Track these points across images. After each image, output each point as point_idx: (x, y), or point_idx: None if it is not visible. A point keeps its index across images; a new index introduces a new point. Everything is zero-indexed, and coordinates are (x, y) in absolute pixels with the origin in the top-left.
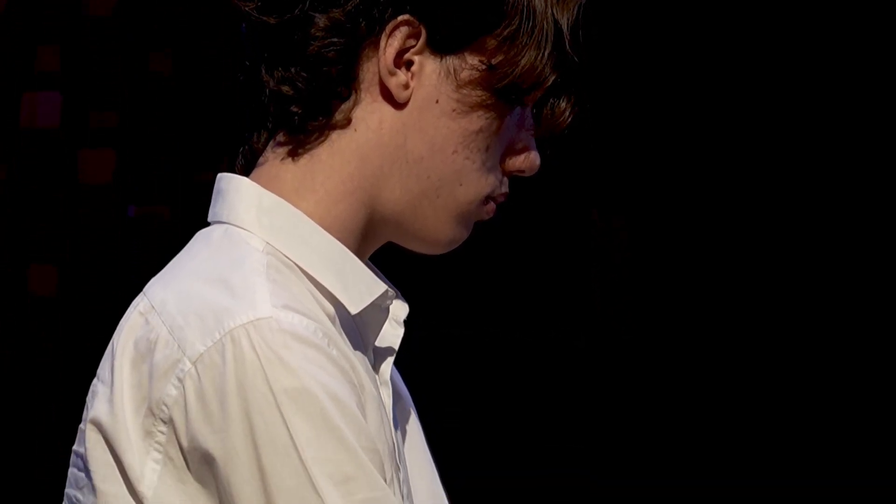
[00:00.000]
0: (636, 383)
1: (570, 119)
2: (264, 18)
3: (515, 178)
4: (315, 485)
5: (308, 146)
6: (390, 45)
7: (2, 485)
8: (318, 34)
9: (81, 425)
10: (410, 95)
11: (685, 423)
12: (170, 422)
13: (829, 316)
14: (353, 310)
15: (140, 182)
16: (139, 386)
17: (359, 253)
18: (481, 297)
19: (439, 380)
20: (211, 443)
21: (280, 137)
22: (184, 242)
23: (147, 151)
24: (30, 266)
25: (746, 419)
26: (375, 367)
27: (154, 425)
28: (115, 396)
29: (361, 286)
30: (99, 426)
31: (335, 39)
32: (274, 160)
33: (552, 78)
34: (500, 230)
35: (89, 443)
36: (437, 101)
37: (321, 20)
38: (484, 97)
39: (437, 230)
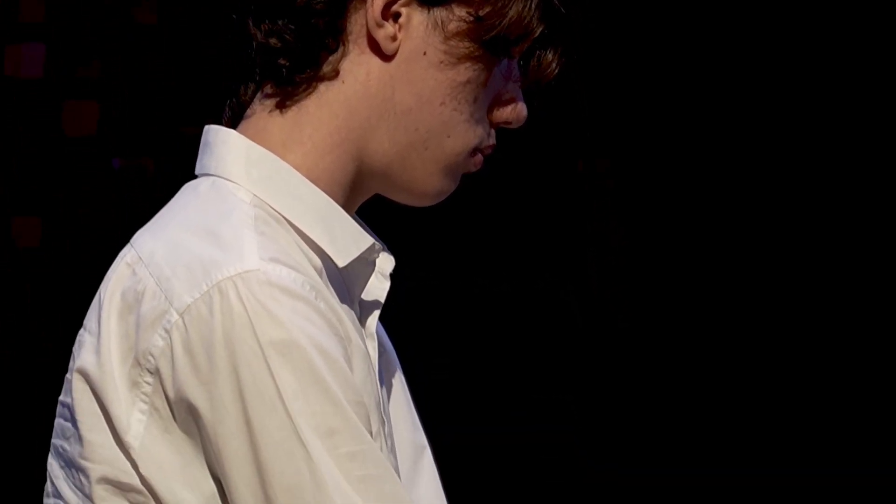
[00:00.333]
0: (633, 369)
1: (556, 70)
2: None
3: (502, 129)
4: (301, 438)
5: (296, 98)
6: None
7: (2, 484)
8: None
9: (68, 375)
10: (398, 47)
11: (684, 410)
12: (156, 372)
13: (831, 304)
14: (341, 263)
15: (124, 134)
16: (126, 336)
17: (346, 206)
18: (468, 249)
19: (427, 332)
20: (197, 394)
21: (267, 90)
22: (168, 195)
23: (132, 103)
24: (13, 218)
25: (746, 409)
26: (361, 320)
27: (140, 376)
28: (102, 347)
29: (348, 239)
30: (86, 376)
31: None
32: (261, 113)
33: (539, 29)
34: (488, 182)
35: (76, 392)
36: (424, 53)
37: None
38: (471, 49)
39: (425, 182)
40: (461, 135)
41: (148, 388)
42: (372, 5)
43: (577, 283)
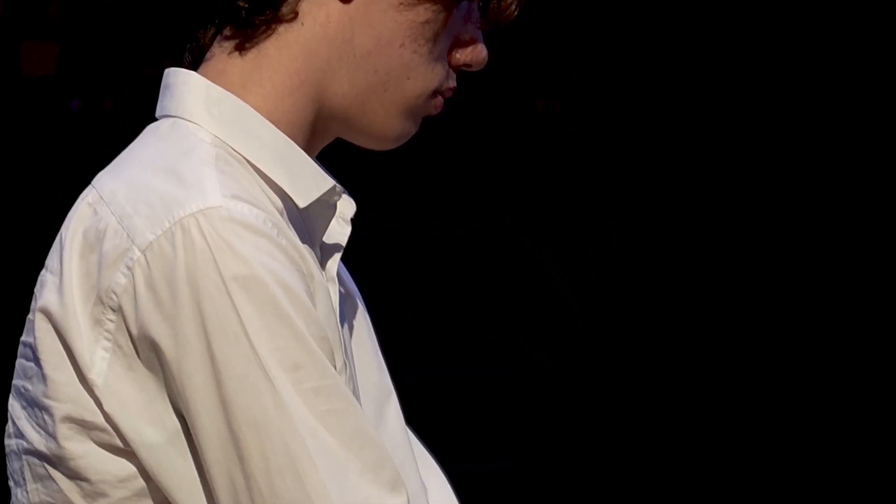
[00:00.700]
0: (634, 369)
1: (516, 12)
2: None
3: (462, 72)
4: (266, 372)
5: (255, 40)
6: None
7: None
8: None
9: (30, 315)
10: None
11: (684, 410)
12: (119, 310)
13: (832, 304)
14: (301, 203)
15: (84, 75)
16: (88, 275)
17: (307, 149)
18: (431, 192)
19: (388, 276)
20: (161, 330)
21: (227, 32)
22: (127, 136)
23: (91, 44)
24: None
25: (746, 409)
26: (322, 263)
27: (103, 313)
28: (65, 286)
29: (309, 180)
30: (48, 315)
31: None
32: (221, 55)
33: None
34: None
35: (39, 332)
36: None
37: None
38: None
39: (386, 125)
40: (421, 77)
41: (111, 326)
42: None
43: (577, 283)
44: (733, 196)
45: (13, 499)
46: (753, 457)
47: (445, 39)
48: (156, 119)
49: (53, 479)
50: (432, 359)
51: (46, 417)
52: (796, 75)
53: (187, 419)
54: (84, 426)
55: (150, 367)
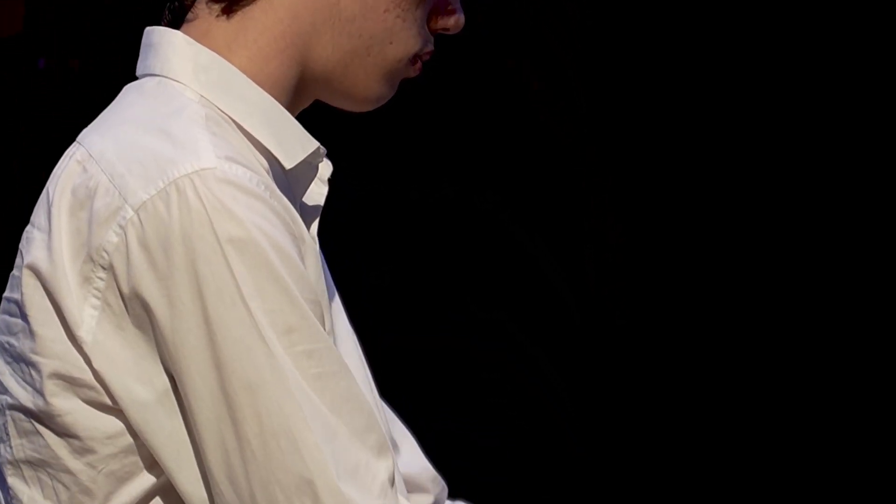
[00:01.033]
0: (631, 367)
1: None
2: None
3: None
4: (262, 334)
5: (241, 3)
6: None
7: None
8: None
9: (15, 272)
10: None
11: (681, 408)
12: (110, 268)
13: (829, 301)
14: (288, 164)
15: (51, 34)
16: (78, 233)
17: (289, 111)
18: (408, 156)
19: (368, 239)
20: (154, 290)
21: None
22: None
23: (59, 2)
24: None
25: (744, 407)
26: (305, 224)
27: (93, 271)
28: (54, 243)
29: (295, 141)
30: (37, 272)
31: None
32: (205, 16)
33: None
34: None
35: (26, 288)
36: None
37: None
38: None
39: (367, 88)
40: (403, 42)
41: (100, 284)
42: None
43: (573, 280)
44: (731, 193)
45: None
46: (751, 454)
47: (427, 4)
48: (136, 78)
49: (41, 435)
50: (410, 322)
51: (34, 373)
52: (794, 72)
53: (177, 380)
54: (72, 383)
55: (139, 327)
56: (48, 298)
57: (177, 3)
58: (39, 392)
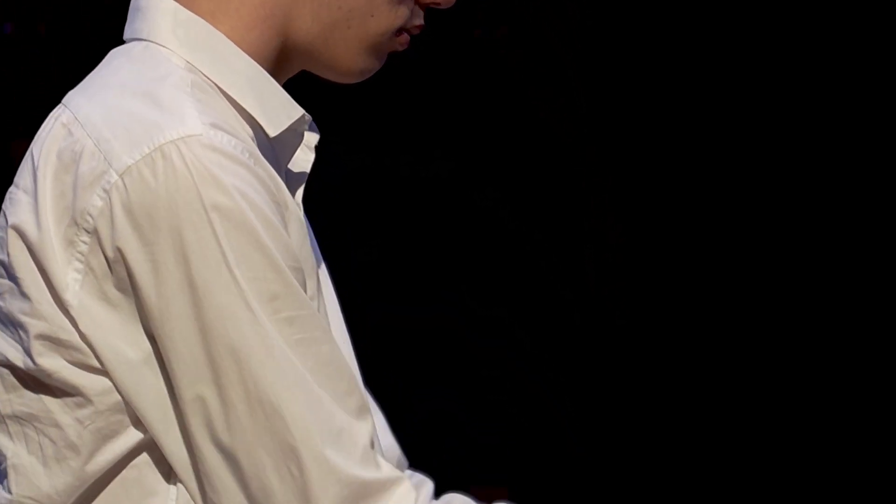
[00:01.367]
0: (630, 367)
1: None
2: None
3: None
4: (247, 301)
5: None
6: None
7: None
8: None
9: (0, 233)
10: None
11: (681, 408)
12: (94, 232)
13: (828, 301)
14: (272, 132)
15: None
16: (62, 196)
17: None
18: (398, 129)
19: (360, 213)
20: (138, 256)
21: None
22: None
23: None
24: None
25: (744, 407)
26: (290, 191)
27: (77, 235)
28: (39, 205)
29: (279, 109)
30: (22, 234)
31: None
32: None
33: None
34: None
35: (13, 249)
36: None
37: None
38: None
39: (349, 60)
40: (384, 15)
41: (84, 248)
42: None
43: (574, 280)
44: (730, 193)
45: None
46: (750, 454)
47: None
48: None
49: (30, 390)
50: (400, 297)
51: (21, 333)
52: (794, 72)
53: (160, 345)
54: (59, 344)
55: (123, 290)
56: (34, 261)
57: None
58: (27, 352)
